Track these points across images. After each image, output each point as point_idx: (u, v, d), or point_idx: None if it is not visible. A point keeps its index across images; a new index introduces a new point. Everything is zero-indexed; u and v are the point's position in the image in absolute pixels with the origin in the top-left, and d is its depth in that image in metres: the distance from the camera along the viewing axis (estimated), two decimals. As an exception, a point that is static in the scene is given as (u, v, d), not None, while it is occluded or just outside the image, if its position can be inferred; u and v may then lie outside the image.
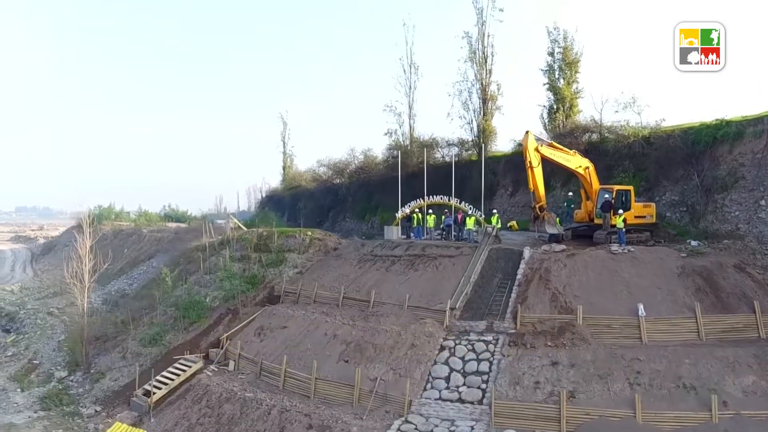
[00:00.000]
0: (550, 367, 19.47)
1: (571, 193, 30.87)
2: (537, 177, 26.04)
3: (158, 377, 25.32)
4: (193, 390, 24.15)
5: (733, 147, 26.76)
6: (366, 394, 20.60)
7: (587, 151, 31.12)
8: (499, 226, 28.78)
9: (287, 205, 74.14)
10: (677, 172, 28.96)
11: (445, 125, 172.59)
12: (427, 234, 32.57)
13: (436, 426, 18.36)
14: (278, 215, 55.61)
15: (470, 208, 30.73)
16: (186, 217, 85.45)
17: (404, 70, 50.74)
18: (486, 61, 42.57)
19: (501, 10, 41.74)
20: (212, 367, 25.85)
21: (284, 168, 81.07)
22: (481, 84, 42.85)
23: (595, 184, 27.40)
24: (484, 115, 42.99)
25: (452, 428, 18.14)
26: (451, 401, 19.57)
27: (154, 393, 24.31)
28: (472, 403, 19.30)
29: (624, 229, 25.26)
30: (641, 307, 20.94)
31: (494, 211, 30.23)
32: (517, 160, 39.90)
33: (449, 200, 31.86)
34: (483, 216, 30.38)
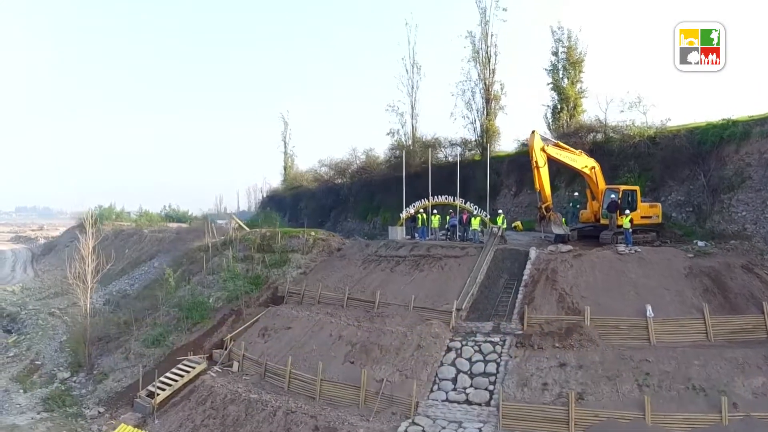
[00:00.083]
0: (557, 368, 19.32)
1: (576, 193, 30.72)
2: (543, 177, 25.90)
3: (162, 378, 25.14)
4: (197, 391, 24.00)
5: (740, 147, 26.66)
6: (372, 395, 20.46)
7: (592, 151, 30.97)
8: (505, 226, 28.62)
9: (288, 205, 74.03)
10: (683, 172, 28.84)
11: (447, 125, 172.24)
12: (432, 234, 32.41)
13: (444, 428, 18.23)
14: (280, 215, 55.39)
15: (475, 209, 30.57)
16: (187, 217, 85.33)
17: (406, 70, 50.75)
18: (489, 61, 42.49)
19: (504, 9, 41.74)
20: (216, 368, 25.68)
21: (285, 168, 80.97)
22: (485, 84, 42.75)
23: (601, 184, 27.25)
24: (487, 114, 42.87)
25: (460, 430, 18.01)
26: (458, 403, 19.43)
27: (158, 394, 24.13)
28: (479, 404, 19.16)
29: (631, 230, 25.11)
30: (649, 308, 20.79)
31: (500, 211, 30.09)
32: (520, 160, 39.82)
33: (454, 200, 31.70)
34: (488, 216, 30.22)
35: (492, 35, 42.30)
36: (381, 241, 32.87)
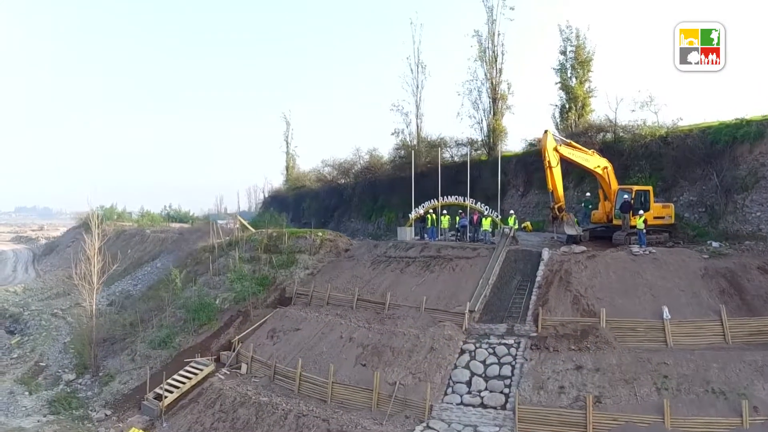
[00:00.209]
0: (574, 371, 19.03)
1: (588, 194, 30.40)
2: (556, 177, 25.61)
3: (169, 380, 24.87)
4: (205, 394, 23.72)
5: (754, 146, 26.35)
6: (385, 398, 20.19)
7: (602, 151, 30.62)
8: (517, 226, 28.31)
9: (291, 206, 73.58)
10: (695, 172, 28.54)
11: (451, 125, 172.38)
12: (441, 235, 32.08)
13: (459, 431, 17.95)
14: (284, 215, 54.91)
15: (486, 209, 30.25)
16: (188, 218, 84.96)
17: (411, 70, 50.35)
18: (496, 60, 42.15)
19: (512, 8, 41.35)
20: (224, 370, 25.43)
21: (287, 168, 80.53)
22: (491, 83, 42.42)
23: (614, 185, 26.96)
24: (494, 114, 42.54)
25: (476, 434, 17.75)
26: (474, 406, 19.13)
27: (166, 397, 23.87)
28: (495, 408, 18.87)
29: (644, 230, 24.82)
30: (666, 309, 20.49)
31: (511, 212, 29.79)
32: (528, 159, 39.61)
33: (464, 200, 31.38)
34: (499, 216, 29.91)
35: (499, 34, 42.02)
36: (390, 242, 32.54)
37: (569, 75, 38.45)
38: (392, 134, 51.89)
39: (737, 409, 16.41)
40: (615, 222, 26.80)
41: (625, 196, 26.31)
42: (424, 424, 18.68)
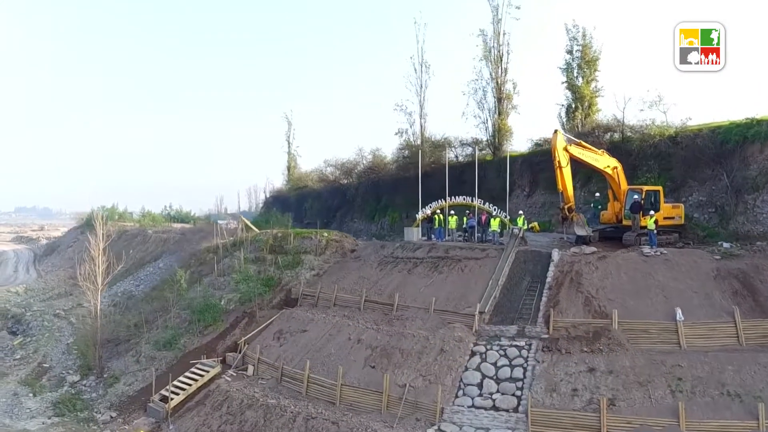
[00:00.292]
0: (587, 373, 18.83)
1: (597, 194, 30.16)
2: (566, 177, 25.39)
3: (175, 382, 24.60)
4: (212, 396, 23.49)
5: (765, 146, 26.17)
6: (395, 401, 19.96)
7: (609, 151, 30.28)
8: (526, 227, 28.06)
9: (293, 206, 73.28)
10: (705, 172, 28.35)
11: (455, 125, 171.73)
12: (449, 235, 31.83)
13: (471, 435, 17.78)
14: (289, 215, 54.62)
15: (494, 209, 30.01)
16: (189, 218, 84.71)
17: (415, 69, 50.24)
18: (501, 60, 42.03)
19: (518, 7, 41.22)
20: (230, 371, 25.18)
21: (289, 168, 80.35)
22: (497, 83, 42.30)
23: (624, 185, 26.73)
24: (499, 114, 42.38)
25: (488, 437, 17.55)
26: (485, 409, 18.92)
27: (172, 399, 23.63)
28: (507, 410, 18.65)
29: (655, 231, 24.59)
30: (679, 311, 20.28)
31: (520, 212, 29.53)
32: (534, 160, 39.43)
33: (472, 201, 31.12)
34: (508, 217, 29.66)
35: (504, 33, 41.87)
36: (397, 243, 32.29)
37: (576, 74, 38.30)
38: (396, 134, 51.82)
39: (753, 412, 16.21)
40: (625, 222, 26.58)
41: (635, 196, 26.09)
42: (436, 427, 18.50)
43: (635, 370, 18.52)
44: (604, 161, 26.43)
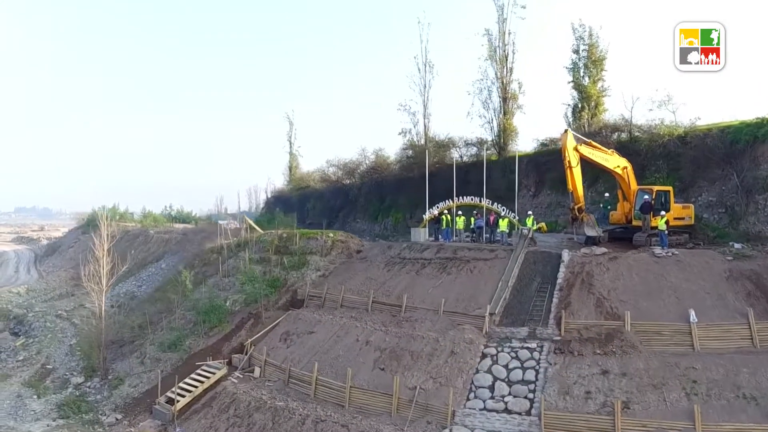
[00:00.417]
0: (600, 375, 18.59)
1: (607, 194, 29.92)
2: (576, 177, 25.15)
3: (181, 384, 24.41)
4: (219, 398, 23.26)
5: (776, 146, 25.92)
6: (405, 403, 19.73)
7: (617, 151, 30.13)
8: (535, 227, 27.81)
9: (295, 206, 72.93)
10: (714, 172, 28.12)
11: (458, 125, 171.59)
12: (456, 236, 31.58)
13: (484, 438, 17.56)
14: (293, 216, 54.40)
15: (503, 210, 29.76)
16: (191, 218, 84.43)
17: (419, 69, 49.98)
18: (507, 59, 41.76)
19: (523, 7, 40.96)
20: (237, 373, 24.93)
21: (291, 168, 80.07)
22: (502, 82, 42.04)
23: (633, 185, 26.48)
24: (504, 114, 42.13)
25: (501, 441, 17.32)
26: (497, 412, 18.67)
27: (178, 401, 23.44)
28: (519, 413, 18.41)
29: (666, 231, 24.36)
30: (692, 312, 20.03)
31: (529, 212, 29.28)
32: (539, 160, 39.21)
33: (480, 201, 30.85)
34: (516, 217, 29.40)
35: (510, 33, 41.61)
36: (404, 243, 32.02)
37: (582, 74, 38.09)
38: (399, 134, 51.64)
39: (770, 416, 15.98)
40: (635, 223, 26.32)
41: (646, 196, 25.82)
42: (447, 430, 18.28)
43: (649, 372, 18.29)
44: (614, 161, 26.19)
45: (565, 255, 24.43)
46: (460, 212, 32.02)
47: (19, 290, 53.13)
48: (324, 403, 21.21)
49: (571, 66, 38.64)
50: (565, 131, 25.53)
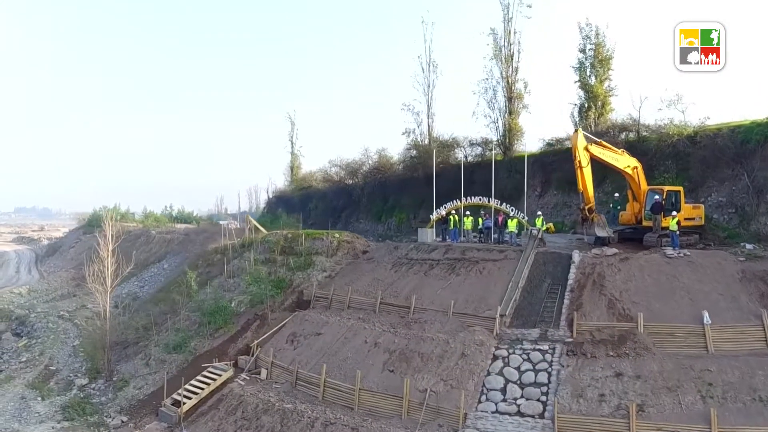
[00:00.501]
0: (614, 378, 18.37)
1: (617, 194, 29.68)
2: (586, 177, 24.88)
3: (187, 386, 24.16)
4: (226, 400, 23.01)
5: (787, 146, 25.71)
6: (415, 406, 19.52)
7: (625, 150, 29.99)
8: (544, 228, 27.55)
9: (297, 206, 72.75)
10: (724, 172, 27.92)
11: (462, 125, 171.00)
12: (464, 236, 31.32)
13: (497, 441, 17.34)
14: (298, 216, 54.16)
15: (512, 210, 29.50)
16: (192, 218, 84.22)
17: (423, 69, 49.87)
18: (512, 59, 41.55)
19: (529, 6, 40.71)
20: (243, 375, 24.71)
21: (292, 168, 79.87)
22: (507, 82, 41.80)
23: (644, 185, 26.21)
24: (510, 113, 41.90)
25: (514, 444, 17.10)
26: (510, 414, 18.47)
27: (184, 403, 23.20)
28: (532, 416, 18.21)
29: (678, 232, 24.12)
30: (706, 314, 19.81)
31: (539, 212, 29.05)
32: (545, 160, 39.01)
33: (488, 201, 30.58)
34: (526, 218, 29.13)
35: (515, 32, 41.39)
36: (411, 244, 31.77)
37: (589, 73, 37.81)
38: (403, 134, 51.47)
39: (787, 419, 15.78)
40: (645, 223, 26.06)
41: (656, 196, 25.58)
42: (459, 433, 18.05)
43: (663, 374, 18.08)
44: (624, 161, 25.95)
45: (576, 256, 24.19)
46: (468, 212, 31.75)
47: (21, 291, 52.80)
48: (333, 406, 20.96)
49: (578, 65, 38.41)
50: (576, 131, 25.32)
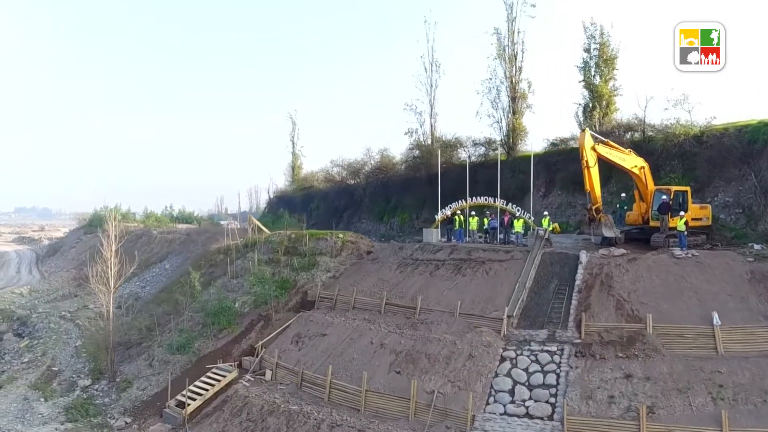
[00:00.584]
0: (623, 379, 18.23)
1: (624, 194, 29.51)
2: (593, 177, 24.76)
3: (191, 387, 23.94)
4: (230, 401, 22.84)
5: (794, 146, 25.57)
6: (423, 407, 19.36)
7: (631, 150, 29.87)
8: (551, 228, 27.39)
9: (298, 206, 72.54)
10: (731, 172, 27.78)
11: (464, 125, 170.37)
12: (469, 237, 31.12)
13: (506, 443, 17.18)
14: (297, 216, 54.05)
15: (518, 210, 29.33)
16: (193, 218, 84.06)
17: (425, 68, 49.59)
18: (516, 58, 41.39)
19: (533, 5, 40.54)
20: (248, 376, 24.53)
21: (294, 168, 79.68)
22: (511, 82, 41.65)
23: (651, 185, 26.07)
24: (514, 113, 41.74)
25: (523, 446, 16.94)
26: (518, 416, 18.31)
27: (189, 404, 22.98)
28: (541, 418, 18.06)
29: (686, 232, 23.97)
30: (716, 315, 19.65)
31: (545, 213, 28.90)
32: (550, 160, 38.84)
33: (494, 201, 30.40)
34: (532, 218, 28.96)
35: (519, 32, 41.23)
36: (416, 244, 31.62)
37: (593, 73, 37.61)
38: (405, 134, 51.19)
39: (799, 421, 15.63)
40: (652, 224, 25.92)
41: (663, 197, 25.42)
42: (467, 435, 17.89)
43: (673, 376, 17.94)
44: (631, 161, 25.81)
45: (583, 256, 24.03)
46: (473, 212, 31.57)
47: (22, 291, 52.62)
48: (339, 407, 20.80)
49: (582, 65, 38.20)
50: (583, 131, 25.23)
